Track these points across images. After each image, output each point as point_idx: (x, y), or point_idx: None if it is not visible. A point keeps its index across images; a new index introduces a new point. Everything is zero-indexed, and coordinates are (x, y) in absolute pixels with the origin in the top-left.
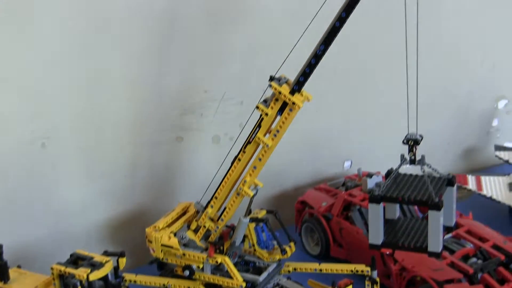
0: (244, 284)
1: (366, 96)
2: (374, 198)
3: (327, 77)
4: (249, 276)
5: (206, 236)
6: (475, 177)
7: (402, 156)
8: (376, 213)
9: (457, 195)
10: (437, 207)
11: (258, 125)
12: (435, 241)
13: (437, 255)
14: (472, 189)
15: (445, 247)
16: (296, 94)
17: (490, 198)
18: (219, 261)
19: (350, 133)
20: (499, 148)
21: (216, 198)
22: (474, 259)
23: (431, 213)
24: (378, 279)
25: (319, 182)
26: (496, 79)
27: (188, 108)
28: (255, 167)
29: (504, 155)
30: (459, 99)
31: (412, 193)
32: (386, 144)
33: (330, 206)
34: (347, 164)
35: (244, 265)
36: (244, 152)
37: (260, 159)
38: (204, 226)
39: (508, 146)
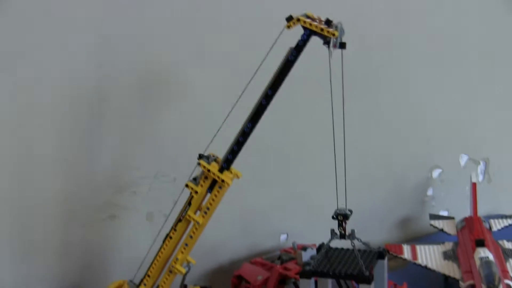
0: None
1: (301, 170)
2: (305, 273)
3: (262, 152)
4: None
5: None
6: (410, 246)
7: (332, 231)
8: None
9: (393, 264)
10: (368, 280)
11: (188, 203)
12: None
13: None
14: (407, 258)
15: None
16: (225, 172)
17: (425, 267)
18: None
19: (286, 206)
20: (434, 217)
21: (148, 276)
22: None
23: (362, 287)
24: None
25: (256, 256)
26: (430, 149)
27: (121, 186)
28: (186, 245)
29: (438, 223)
30: (395, 170)
31: (343, 267)
32: (322, 217)
33: (265, 279)
34: (283, 237)
35: None
36: (175, 230)
37: (191, 237)
38: None
39: (442, 214)
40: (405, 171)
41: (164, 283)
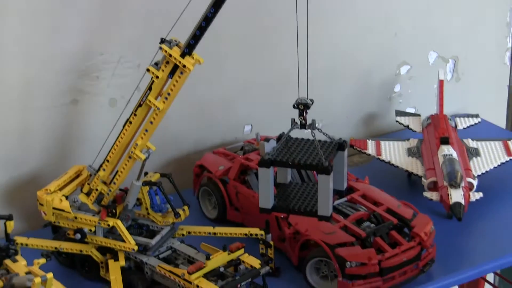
0: (136, 248)
1: (266, 61)
2: (264, 162)
3: (226, 41)
4: (142, 239)
5: (100, 200)
6: (375, 142)
7: (293, 120)
8: (266, 177)
9: (357, 159)
10: (327, 171)
11: (149, 88)
12: (325, 205)
13: (327, 219)
14: (372, 154)
15: (339, 211)
16: (187, 57)
17: (389, 163)
18: (110, 224)
19: (250, 97)
20: (400, 113)
21: (108, 161)
22: (367, 223)
23: (321, 177)
24: (272, 243)
25: (219, 147)
26: (398, 46)
27: (84, 71)
28: (146, 130)
29: (404, 120)
30: (361, 66)
31: (302, 157)
32: (286, 109)
33: (227, 170)
34: (247, 128)
35: (137, 228)
36: (135, 115)
37: (151, 122)
38: (96, 189)
39: (409, 111)
40: (372, 67)
41: (124, 168)
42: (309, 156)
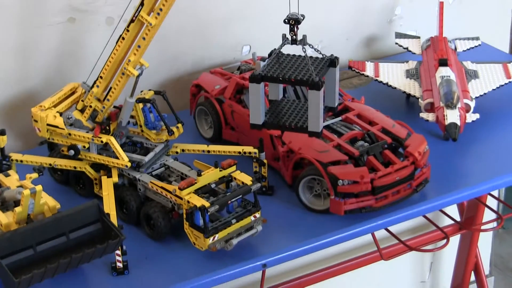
0: (129, 164)
1: None
2: (254, 78)
3: None
4: (135, 156)
5: (94, 117)
6: (373, 63)
7: (284, 36)
8: (256, 93)
9: (356, 82)
10: (317, 86)
11: (141, 3)
12: (315, 121)
13: (317, 135)
14: (370, 75)
15: (333, 130)
16: None
17: (387, 84)
18: (104, 140)
19: (248, 18)
20: (400, 35)
21: (101, 78)
22: (361, 142)
23: (311, 93)
24: (265, 161)
25: (217, 67)
26: None
27: None
28: (139, 46)
29: (404, 42)
30: None
31: (293, 73)
32: (285, 30)
33: (223, 89)
34: (245, 49)
35: (131, 145)
36: (128, 31)
37: (144, 38)
38: (90, 106)
39: (409, 34)
40: None
41: (117, 85)
42: (300, 71)
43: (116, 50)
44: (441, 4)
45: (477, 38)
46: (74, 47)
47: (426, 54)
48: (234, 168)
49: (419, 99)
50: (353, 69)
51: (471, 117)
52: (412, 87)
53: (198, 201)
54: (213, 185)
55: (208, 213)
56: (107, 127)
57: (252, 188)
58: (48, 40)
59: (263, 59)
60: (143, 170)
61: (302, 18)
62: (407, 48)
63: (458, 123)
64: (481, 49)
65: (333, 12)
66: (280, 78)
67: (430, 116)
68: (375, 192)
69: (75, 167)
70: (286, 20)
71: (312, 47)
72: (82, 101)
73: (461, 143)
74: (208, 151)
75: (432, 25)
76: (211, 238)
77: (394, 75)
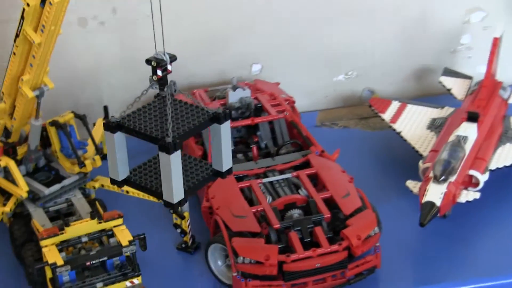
0: (25, 194)
1: None
2: (108, 126)
3: None
4: (38, 186)
5: (8, 135)
6: (400, 104)
7: (151, 79)
8: (111, 143)
9: (375, 123)
10: (167, 149)
11: (21, 16)
12: (168, 189)
13: (171, 206)
14: (386, 119)
15: (273, 189)
16: None
17: (399, 134)
18: (2, 164)
19: (258, 34)
20: (448, 73)
21: (3, 93)
22: (297, 211)
23: (162, 156)
24: (186, 214)
25: (217, 85)
26: None
27: None
28: (31, 65)
29: (449, 82)
30: (416, 6)
31: (153, 126)
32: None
33: None
34: (256, 67)
35: (48, 171)
36: (17, 46)
37: (33, 56)
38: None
39: (459, 72)
40: (432, 10)
41: (19, 104)
42: (162, 125)
43: (11, 66)
44: (495, 40)
45: None
46: None
47: (466, 101)
48: (119, 221)
49: (421, 161)
50: (372, 108)
51: (468, 196)
52: (425, 142)
53: (51, 257)
54: (84, 239)
55: (59, 273)
56: (13, 149)
57: (123, 251)
58: None
59: (233, 87)
60: (38, 204)
61: (168, 59)
62: (449, 90)
63: (438, 203)
64: None
65: (375, 33)
66: (135, 130)
67: (416, 187)
68: (286, 278)
69: None
70: (146, 61)
71: (189, 96)
72: None
73: (460, 225)
74: (127, 192)
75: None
76: None
77: (415, 123)
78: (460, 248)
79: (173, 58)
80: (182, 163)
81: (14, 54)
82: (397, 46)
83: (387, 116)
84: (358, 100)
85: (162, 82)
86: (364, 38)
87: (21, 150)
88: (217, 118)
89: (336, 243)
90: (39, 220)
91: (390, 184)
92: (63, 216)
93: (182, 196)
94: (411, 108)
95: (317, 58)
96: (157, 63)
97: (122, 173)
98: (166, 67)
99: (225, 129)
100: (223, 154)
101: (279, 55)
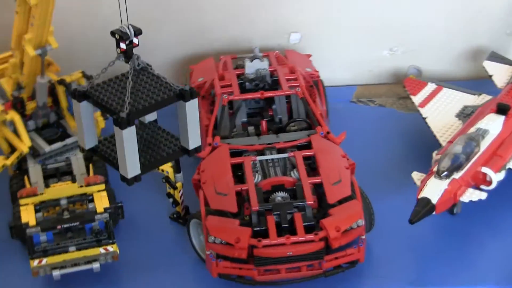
0: (26, 150)
1: None
2: (74, 94)
3: None
4: (40, 142)
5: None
6: (435, 86)
7: (118, 52)
8: (77, 111)
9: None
10: (120, 124)
11: None
12: (122, 163)
13: (126, 181)
14: (416, 102)
15: (263, 168)
16: None
17: (424, 120)
18: (8, 118)
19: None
20: (494, 57)
21: (12, 49)
22: (282, 194)
23: (116, 130)
24: (179, 184)
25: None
26: None
27: None
28: (32, 24)
29: (492, 68)
30: None
31: (116, 97)
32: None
33: (204, 82)
34: (294, 36)
35: (55, 128)
36: (18, 5)
37: (33, 17)
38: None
39: (505, 57)
40: None
41: (27, 61)
42: (124, 99)
43: (16, 23)
44: None
45: None
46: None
47: (505, 91)
48: (100, 187)
49: (435, 151)
50: (405, 89)
51: (472, 195)
52: (448, 131)
53: (25, 217)
54: (63, 201)
55: (32, 233)
56: (22, 104)
57: (96, 218)
58: None
59: (253, 57)
60: (37, 160)
61: (133, 32)
62: (491, 76)
63: (434, 201)
64: None
65: (435, 8)
66: (98, 101)
67: (420, 179)
68: (257, 263)
69: None
70: (111, 33)
71: (151, 69)
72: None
73: (460, 226)
74: None
75: None
76: (36, 261)
77: (445, 108)
78: (466, 250)
79: (138, 32)
80: (150, 135)
81: (17, 12)
82: (450, 24)
83: (417, 99)
84: (404, 77)
85: (127, 55)
86: (416, 13)
87: (30, 106)
88: (182, 96)
89: (313, 232)
90: (33, 177)
91: (406, 174)
92: (59, 175)
93: (138, 172)
94: (446, 92)
95: (363, 30)
96: (121, 36)
97: (89, 142)
98: (132, 40)
99: (191, 107)
100: (189, 132)
101: (321, 24)
